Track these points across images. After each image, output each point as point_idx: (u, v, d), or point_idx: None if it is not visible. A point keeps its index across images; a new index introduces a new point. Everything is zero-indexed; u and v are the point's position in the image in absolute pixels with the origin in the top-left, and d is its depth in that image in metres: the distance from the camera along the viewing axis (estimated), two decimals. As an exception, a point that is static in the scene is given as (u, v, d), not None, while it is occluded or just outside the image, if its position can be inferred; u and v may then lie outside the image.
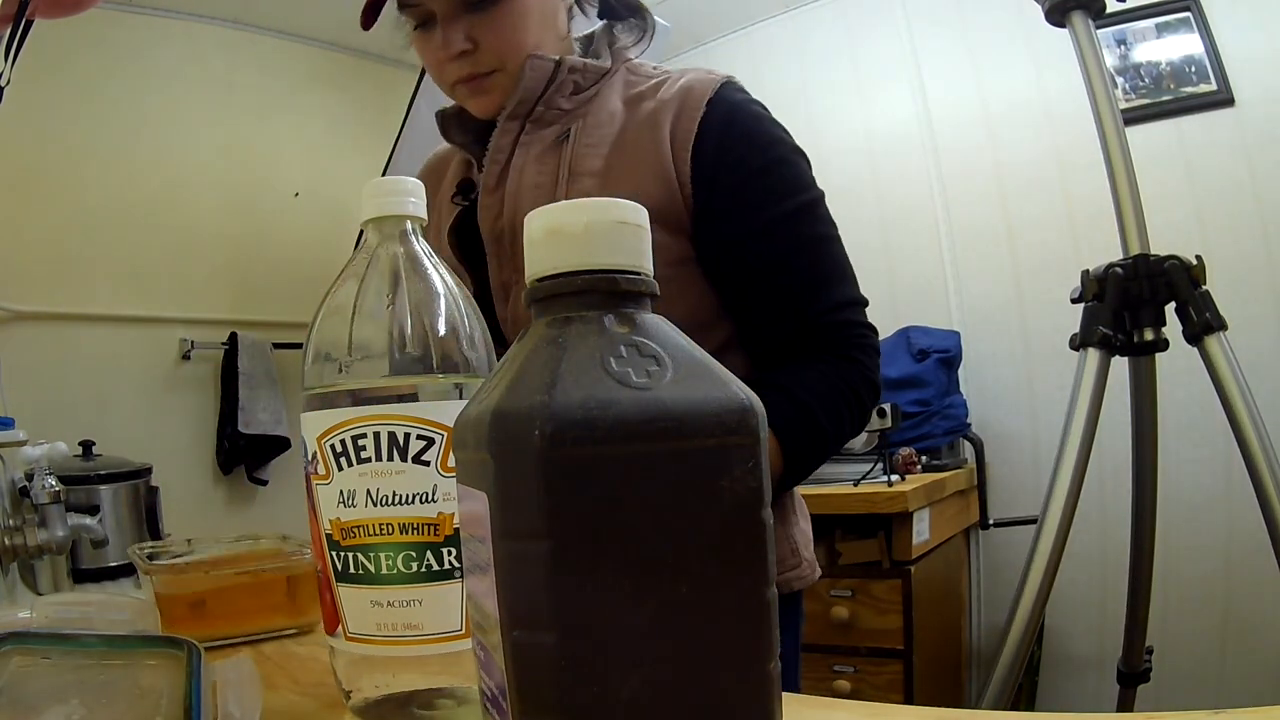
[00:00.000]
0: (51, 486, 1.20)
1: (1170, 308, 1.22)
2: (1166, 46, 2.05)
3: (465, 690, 0.39)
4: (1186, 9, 2.01)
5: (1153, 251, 1.22)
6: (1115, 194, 1.24)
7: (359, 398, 0.40)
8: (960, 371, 2.26)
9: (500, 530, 0.24)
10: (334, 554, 0.40)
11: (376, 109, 2.64)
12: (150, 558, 0.62)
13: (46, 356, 2.11)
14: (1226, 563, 1.92)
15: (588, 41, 0.84)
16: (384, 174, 2.16)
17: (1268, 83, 1.93)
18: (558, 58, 0.77)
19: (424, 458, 0.39)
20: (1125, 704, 1.44)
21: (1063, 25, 1.27)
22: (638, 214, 0.28)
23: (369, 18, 0.78)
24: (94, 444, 1.68)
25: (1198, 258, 1.20)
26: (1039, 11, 1.29)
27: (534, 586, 0.24)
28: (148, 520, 1.66)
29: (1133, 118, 2.00)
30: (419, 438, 0.39)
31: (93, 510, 1.53)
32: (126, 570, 1.52)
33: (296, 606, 0.58)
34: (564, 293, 0.27)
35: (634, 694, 0.24)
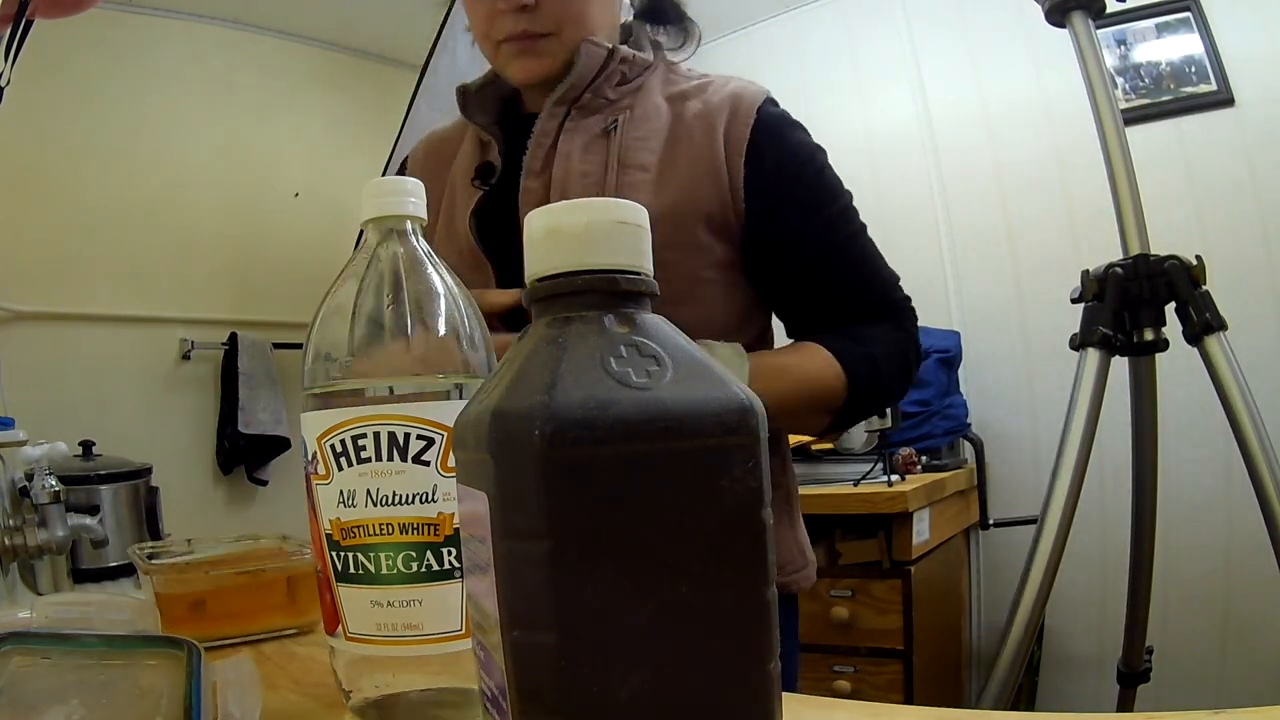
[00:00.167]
0: (51, 486, 1.20)
1: (1170, 308, 1.22)
2: (1166, 46, 2.05)
3: (466, 690, 0.39)
4: (1186, 9, 2.01)
5: (1153, 251, 1.22)
6: (1115, 194, 1.24)
7: (359, 398, 0.40)
8: (960, 371, 2.26)
9: (500, 530, 0.24)
10: (334, 554, 0.40)
11: (376, 109, 2.64)
12: (150, 558, 0.62)
13: (46, 356, 2.11)
14: (1226, 563, 1.92)
15: (625, 32, 0.84)
16: (384, 174, 2.16)
17: (1268, 83, 1.93)
18: (610, 45, 0.77)
19: (424, 458, 0.39)
20: (1125, 704, 1.44)
21: (1063, 25, 1.27)
22: (638, 214, 0.28)
23: None
24: (94, 444, 1.68)
25: (1198, 258, 1.20)
26: (1039, 11, 1.29)
27: (534, 586, 0.24)
28: (148, 520, 1.66)
29: (1133, 118, 2.00)
30: (419, 438, 0.39)
31: (93, 510, 1.53)
32: (126, 570, 1.52)
33: (296, 606, 0.58)
34: (564, 293, 0.27)
35: (634, 694, 0.24)
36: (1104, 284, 1.23)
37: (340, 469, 0.40)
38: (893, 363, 0.80)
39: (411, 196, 0.44)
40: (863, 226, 0.82)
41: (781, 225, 0.77)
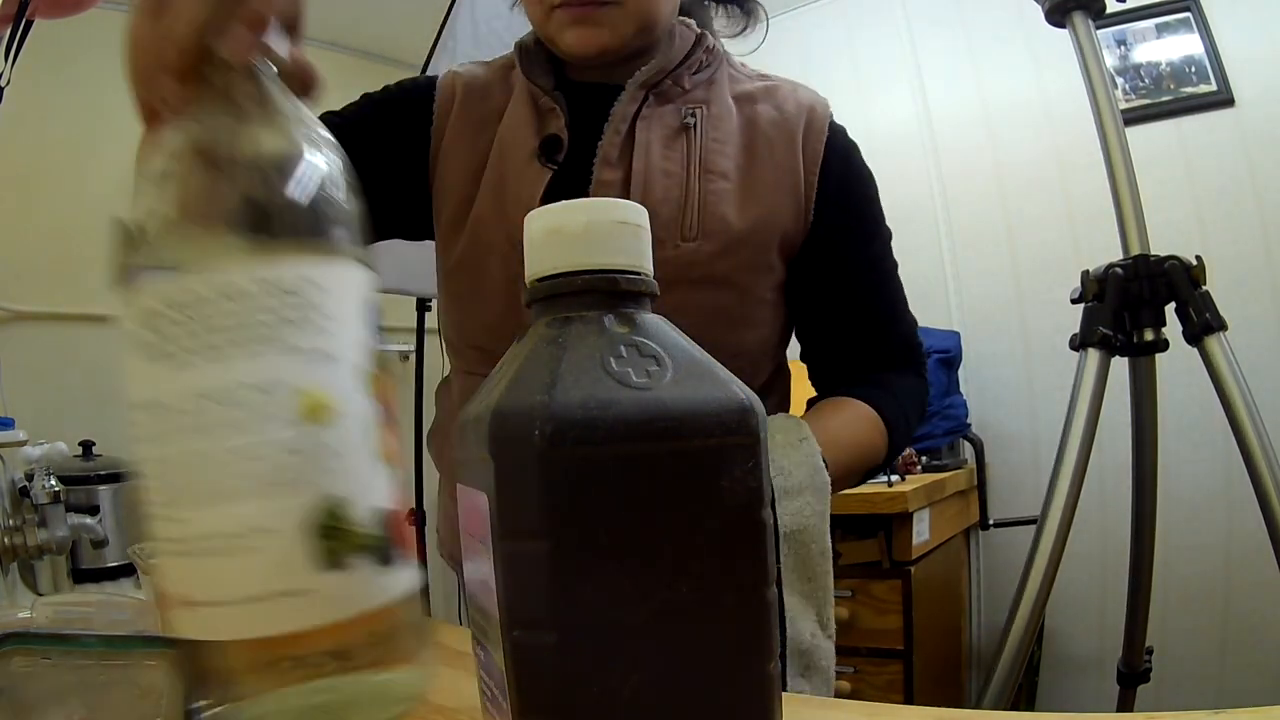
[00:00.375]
0: (51, 486, 1.20)
1: (1170, 308, 1.22)
2: (1166, 47, 2.05)
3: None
4: (1186, 9, 2.01)
5: (1153, 252, 1.22)
6: (1115, 194, 1.24)
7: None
8: (960, 371, 2.26)
9: (500, 530, 0.24)
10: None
11: (376, 109, 2.64)
12: (150, 558, 0.62)
13: (46, 356, 2.11)
14: (1226, 563, 1.92)
15: (685, 13, 0.76)
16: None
17: (1268, 83, 1.93)
18: (700, 31, 0.73)
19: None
20: (1125, 704, 1.44)
21: (1063, 25, 1.27)
22: (638, 214, 0.28)
23: None
24: (94, 444, 1.68)
25: (1198, 258, 1.20)
26: (1039, 12, 1.29)
27: (534, 586, 0.24)
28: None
29: (1133, 118, 2.00)
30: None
31: (93, 510, 1.53)
32: (126, 570, 1.52)
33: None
34: (564, 293, 0.27)
35: (634, 694, 0.24)
36: (1104, 284, 1.23)
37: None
38: (916, 416, 0.80)
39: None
40: (897, 264, 0.81)
41: (835, 253, 0.75)
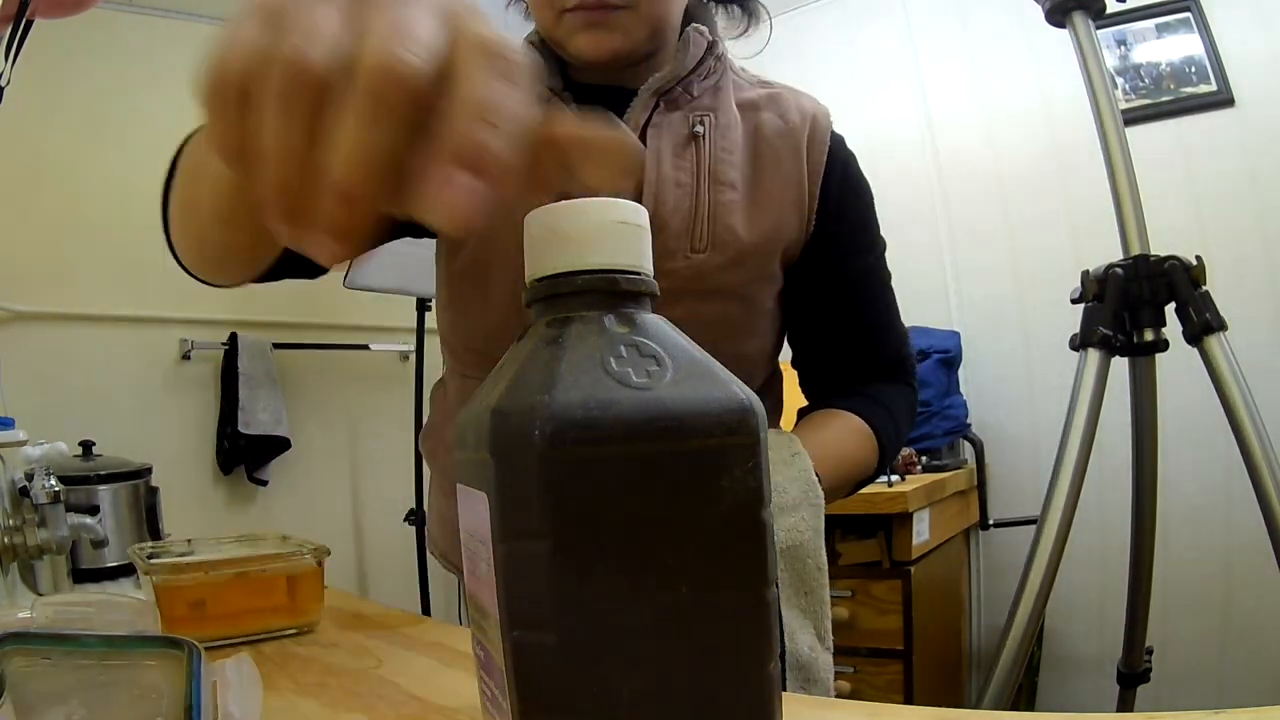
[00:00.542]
0: (51, 486, 1.20)
1: (1170, 308, 1.22)
2: (1166, 47, 2.05)
3: None
4: (1186, 9, 2.01)
5: (1153, 252, 1.22)
6: (1115, 194, 1.24)
7: None
8: (960, 372, 2.26)
9: (500, 531, 0.24)
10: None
11: (376, 109, 2.63)
12: (150, 558, 0.62)
13: (46, 356, 2.11)
14: (1226, 563, 1.92)
15: (689, 16, 0.75)
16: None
17: (1268, 83, 1.93)
18: (713, 38, 0.72)
19: None
20: (1125, 704, 1.44)
21: (1063, 26, 1.27)
22: (638, 214, 0.28)
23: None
24: (94, 444, 1.68)
25: (1198, 258, 1.20)
26: (1039, 12, 1.29)
27: (534, 586, 0.24)
28: (148, 520, 1.66)
29: (1133, 118, 2.00)
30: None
31: (93, 510, 1.53)
32: (126, 570, 1.52)
33: (296, 606, 0.58)
34: (564, 292, 0.27)
35: (634, 693, 0.24)
36: (1104, 284, 1.23)
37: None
38: (906, 427, 0.80)
39: None
40: (890, 275, 0.81)
41: (831, 263, 0.75)
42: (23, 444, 1.30)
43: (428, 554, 2.42)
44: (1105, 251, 1.27)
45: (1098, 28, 1.28)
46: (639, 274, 0.28)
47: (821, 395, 0.80)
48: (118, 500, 1.61)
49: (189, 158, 0.50)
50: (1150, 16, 2.05)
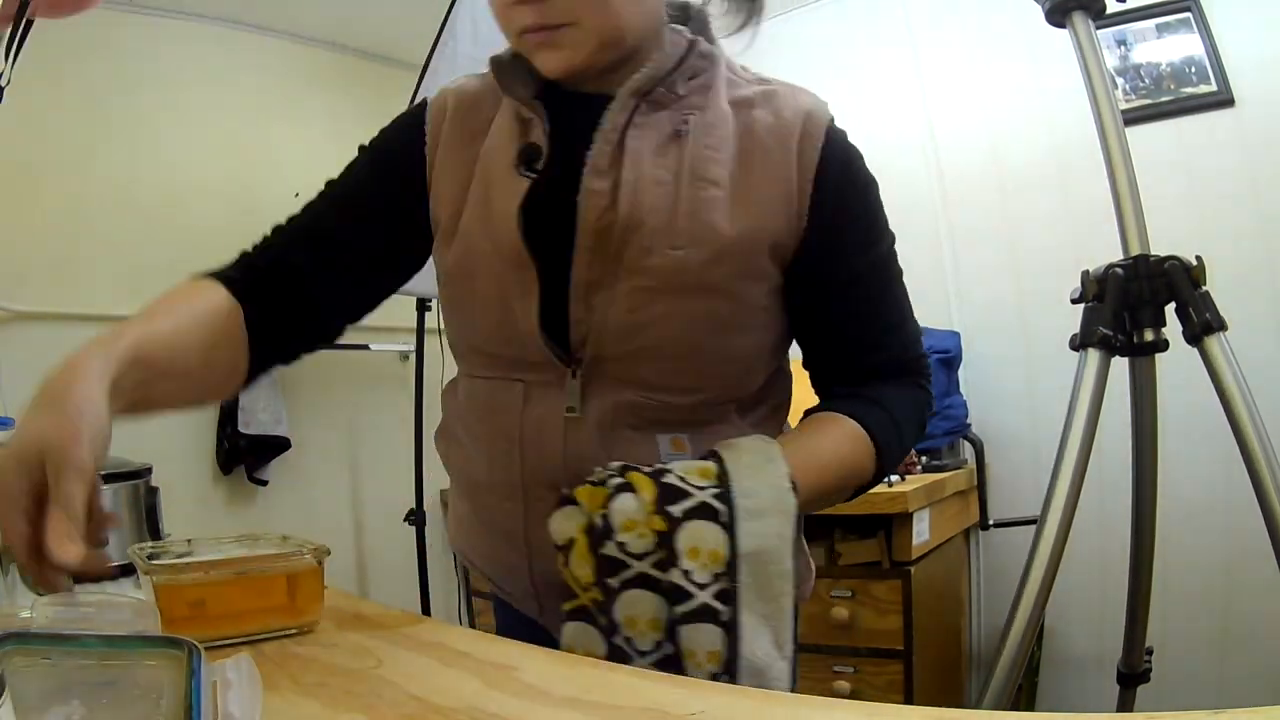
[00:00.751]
0: (51, 486, 1.20)
1: (1170, 308, 1.22)
2: (1166, 47, 2.05)
3: None
4: (1186, 9, 2.01)
5: (1153, 252, 1.22)
6: (1115, 194, 1.24)
7: None
8: (960, 372, 2.26)
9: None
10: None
11: (376, 109, 2.63)
12: (150, 558, 0.62)
13: (46, 356, 2.09)
14: (1226, 563, 1.92)
15: (682, 15, 0.76)
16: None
17: (1268, 83, 1.93)
18: (693, 38, 0.72)
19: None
20: (1125, 704, 1.44)
21: (1063, 26, 1.27)
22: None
23: None
24: (94, 444, 1.68)
25: (1198, 258, 1.20)
26: (1039, 12, 1.29)
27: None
28: (148, 520, 1.66)
29: (1133, 118, 2.00)
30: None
31: (93, 510, 1.53)
32: (126, 570, 1.52)
33: (296, 606, 0.58)
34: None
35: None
36: (1104, 284, 1.23)
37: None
38: (913, 429, 0.79)
39: None
40: (900, 273, 0.79)
41: (831, 261, 0.74)
42: (23, 444, 1.30)
43: (429, 555, 2.43)
44: (1105, 251, 1.27)
45: (1098, 28, 1.27)
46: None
47: (827, 395, 0.79)
48: (118, 500, 1.61)
49: None
50: (1150, 16, 2.05)
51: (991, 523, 2.12)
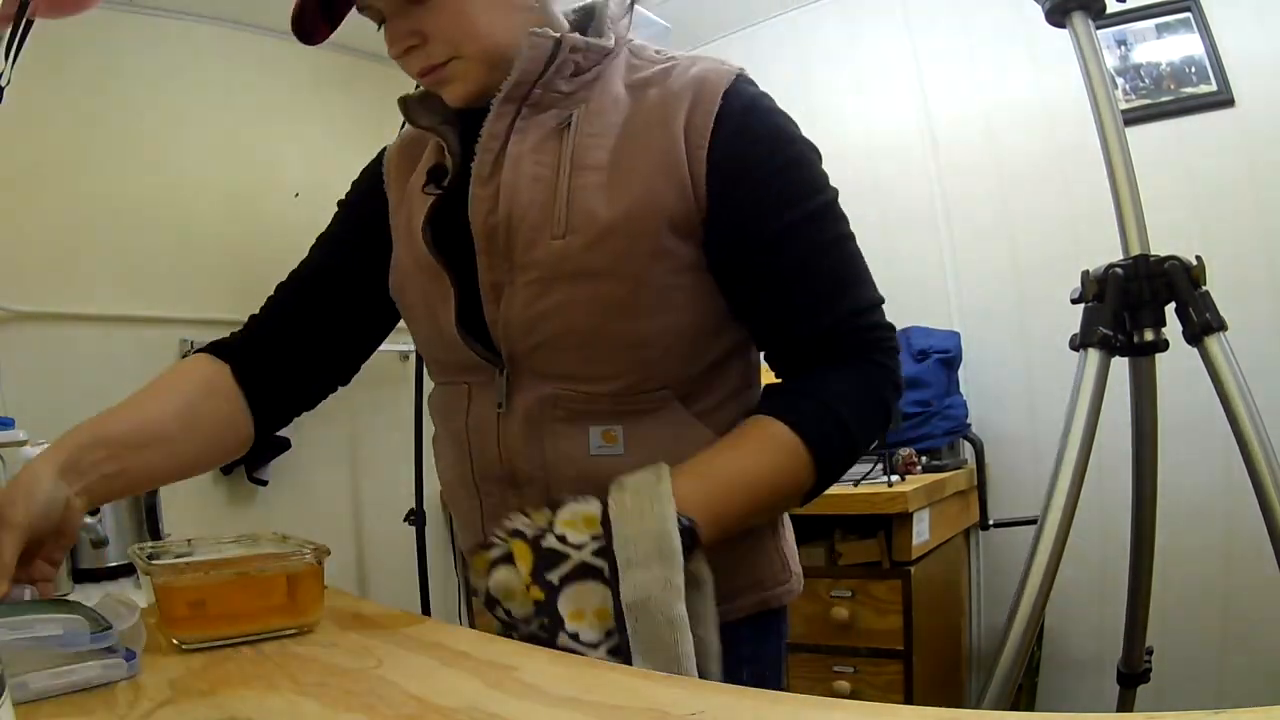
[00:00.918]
0: (51, 486, 1.20)
1: (1170, 308, 1.22)
2: (1166, 47, 2.05)
3: None
4: (1186, 9, 2.01)
5: (1153, 252, 1.22)
6: (1115, 194, 1.24)
7: None
8: (960, 371, 2.26)
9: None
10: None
11: (376, 109, 2.64)
12: (150, 558, 0.62)
13: (46, 356, 2.11)
14: (1226, 563, 1.92)
15: (585, 16, 0.77)
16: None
17: (1268, 83, 1.93)
18: (558, 35, 0.71)
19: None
20: (1125, 704, 1.44)
21: (1063, 26, 1.27)
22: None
23: (308, 30, 0.79)
24: (94, 444, 1.68)
25: (1198, 258, 1.20)
26: (1039, 12, 1.29)
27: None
28: (148, 520, 1.66)
29: (1133, 118, 2.00)
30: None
31: (93, 510, 1.53)
32: (126, 570, 1.52)
33: (296, 606, 0.58)
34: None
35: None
36: (1104, 284, 1.23)
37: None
38: (867, 417, 0.71)
39: None
40: (842, 235, 0.73)
41: (744, 225, 0.70)
42: (23, 444, 1.30)
43: (430, 555, 2.43)
44: (1105, 251, 1.27)
45: (1098, 28, 1.27)
46: None
47: (769, 392, 0.75)
48: (118, 500, 1.61)
49: None
50: (1150, 16, 2.05)
51: (991, 523, 2.12)
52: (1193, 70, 2.01)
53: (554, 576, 0.57)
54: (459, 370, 0.77)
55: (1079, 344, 1.22)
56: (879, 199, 2.43)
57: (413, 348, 2.50)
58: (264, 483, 2.45)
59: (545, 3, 0.74)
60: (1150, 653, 1.43)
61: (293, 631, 0.58)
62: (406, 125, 0.84)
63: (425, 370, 0.90)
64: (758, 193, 0.70)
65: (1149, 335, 1.23)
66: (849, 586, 1.81)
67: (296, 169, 2.59)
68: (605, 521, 0.59)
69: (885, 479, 1.83)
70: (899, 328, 2.54)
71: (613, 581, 0.57)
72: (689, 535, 0.60)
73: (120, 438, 0.72)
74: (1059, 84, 2.10)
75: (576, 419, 0.71)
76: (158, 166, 2.34)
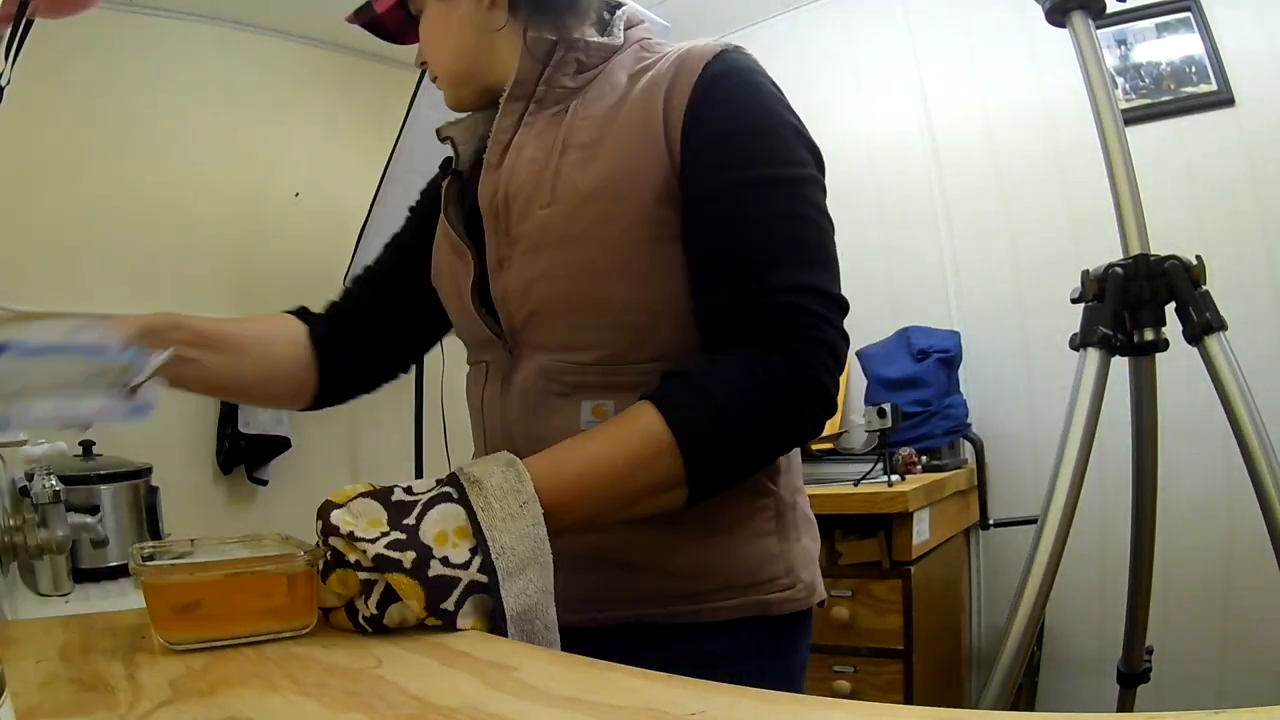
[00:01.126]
0: (51, 486, 1.20)
1: (1170, 308, 1.22)
2: (1166, 47, 2.05)
3: None
4: (1186, 9, 2.01)
5: (1153, 251, 1.22)
6: (1115, 194, 1.24)
7: None
8: (960, 371, 2.26)
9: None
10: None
11: (376, 109, 2.64)
12: (150, 558, 0.62)
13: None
14: (1226, 563, 1.92)
15: (603, 22, 0.81)
16: (383, 175, 2.16)
17: (1268, 83, 1.93)
18: (552, 40, 0.76)
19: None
20: (1125, 704, 1.44)
21: (1063, 25, 1.27)
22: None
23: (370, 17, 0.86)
24: (94, 444, 1.68)
25: (1198, 258, 1.20)
26: (1039, 11, 1.30)
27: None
28: (148, 520, 1.66)
29: (1133, 118, 2.00)
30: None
31: (93, 510, 1.53)
32: (127, 570, 1.52)
33: (289, 609, 0.58)
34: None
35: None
36: (1104, 284, 1.23)
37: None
38: (755, 408, 0.64)
39: None
40: (798, 213, 0.68)
41: (690, 183, 0.69)
42: (23, 444, 1.30)
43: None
44: (1105, 251, 1.27)
45: (1098, 27, 1.28)
46: None
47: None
48: (118, 500, 1.61)
49: None
50: (1150, 16, 2.05)
51: (991, 522, 2.12)
52: (1193, 70, 2.01)
53: (450, 604, 0.55)
54: (480, 348, 0.81)
55: (1079, 344, 1.22)
56: (879, 199, 2.43)
57: (412, 348, 2.53)
58: (264, 483, 2.46)
59: (528, 19, 0.77)
60: (1150, 653, 1.43)
61: (285, 635, 0.58)
62: None
63: (439, 363, 0.93)
64: (712, 150, 0.69)
65: (1149, 335, 1.23)
66: (849, 586, 1.81)
67: (296, 169, 2.59)
68: (477, 531, 0.56)
69: (885, 479, 1.83)
70: (899, 328, 2.54)
71: (497, 592, 0.56)
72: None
73: (200, 329, 0.80)
74: (1059, 84, 2.11)
75: (570, 393, 0.72)
76: (158, 166, 2.34)
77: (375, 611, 0.55)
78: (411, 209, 0.98)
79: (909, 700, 1.75)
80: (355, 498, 0.58)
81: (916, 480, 1.90)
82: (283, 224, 2.54)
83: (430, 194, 0.95)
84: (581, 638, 0.62)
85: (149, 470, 1.69)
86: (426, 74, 0.85)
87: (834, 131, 2.49)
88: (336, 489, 0.60)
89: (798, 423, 0.66)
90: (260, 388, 0.89)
